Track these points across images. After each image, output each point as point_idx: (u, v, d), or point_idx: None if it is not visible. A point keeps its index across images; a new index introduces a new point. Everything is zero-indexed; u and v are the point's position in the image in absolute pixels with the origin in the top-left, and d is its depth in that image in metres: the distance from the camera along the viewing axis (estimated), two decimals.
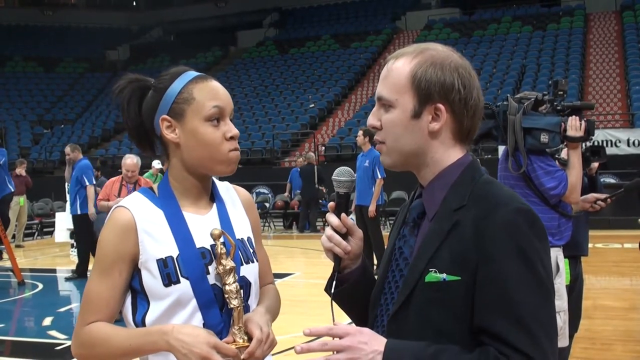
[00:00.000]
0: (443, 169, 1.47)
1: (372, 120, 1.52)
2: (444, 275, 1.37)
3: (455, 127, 1.47)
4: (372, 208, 9.25)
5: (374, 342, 1.35)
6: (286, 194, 17.01)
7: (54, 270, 11.71)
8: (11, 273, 10.20)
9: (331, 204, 1.57)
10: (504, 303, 1.31)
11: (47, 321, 7.46)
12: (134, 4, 37.27)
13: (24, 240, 15.41)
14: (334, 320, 1.58)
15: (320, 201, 15.63)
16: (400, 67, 1.48)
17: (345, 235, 1.56)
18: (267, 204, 17.34)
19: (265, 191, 17.89)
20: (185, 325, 1.61)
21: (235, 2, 35.59)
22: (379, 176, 9.27)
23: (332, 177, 1.60)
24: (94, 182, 10.02)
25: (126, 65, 32.70)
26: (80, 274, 10.01)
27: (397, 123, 1.47)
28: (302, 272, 10.20)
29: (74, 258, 12.81)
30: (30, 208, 16.73)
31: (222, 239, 1.67)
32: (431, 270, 1.39)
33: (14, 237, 15.11)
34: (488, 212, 1.37)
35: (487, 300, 1.33)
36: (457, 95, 1.44)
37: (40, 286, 9.96)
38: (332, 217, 1.55)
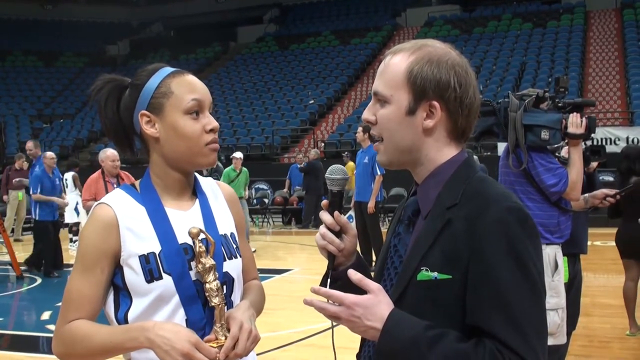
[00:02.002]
0: (437, 166, 1.47)
1: (367, 114, 1.52)
2: (435, 274, 1.37)
3: (449, 125, 1.47)
4: (371, 204, 9.29)
5: (369, 316, 1.37)
6: (285, 190, 17.00)
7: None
8: (10, 267, 10.21)
9: (324, 202, 1.56)
10: (496, 302, 1.31)
11: (46, 315, 7.47)
12: None
13: (23, 235, 15.39)
14: (332, 321, 1.58)
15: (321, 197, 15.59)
16: (397, 63, 1.48)
17: (339, 233, 1.55)
18: (266, 200, 17.34)
19: (265, 187, 17.89)
20: (167, 322, 1.61)
21: None
22: (379, 172, 9.32)
23: (326, 175, 1.60)
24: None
25: (126, 60, 32.68)
26: (37, 267, 10.32)
27: (391, 118, 1.47)
28: (300, 268, 10.21)
29: (73, 252, 12.83)
30: (28, 202, 16.70)
31: (200, 237, 1.67)
32: (423, 269, 1.39)
33: (12, 231, 15.11)
34: (479, 210, 1.37)
35: (479, 299, 1.33)
36: (453, 94, 1.44)
37: (39, 280, 9.96)
38: (325, 215, 1.55)
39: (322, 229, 1.55)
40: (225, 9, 35.47)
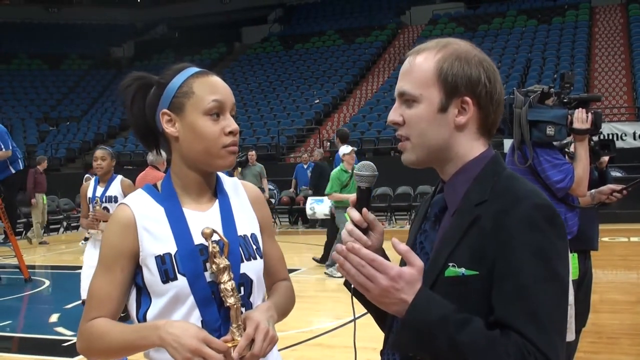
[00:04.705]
0: (466, 163, 1.47)
1: (393, 116, 1.51)
2: (463, 270, 1.37)
3: (480, 120, 1.47)
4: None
5: (407, 290, 1.35)
6: (292, 189, 16.98)
7: (60, 267, 11.75)
8: (18, 270, 10.24)
9: (352, 198, 1.55)
10: (520, 297, 1.31)
11: (54, 318, 7.48)
12: (138, 0, 37.29)
13: (28, 237, 15.46)
14: (354, 315, 1.58)
15: None
16: (423, 62, 1.47)
17: (366, 230, 1.53)
18: (272, 200, 17.32)
19: (271, 187, 17.87)
20: (178, 320, 1.63)
21: None
22: None
23: (355, 171, 1.59)
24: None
25: (131, 62, 32.74)
26: None
27: (423, 117, 1.46)
28: (307, 268, 10.21)
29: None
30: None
31: (214, 238, 1.67)
32: (450, 265, 1.39)
33: (26, 232, 15.19)
34: (508, 206, 1.36)
35: (504, 295, 1.33)
36: (484, 89, 1.45)
37: (47, 283, 9.99)
38: (353, 212, 1.53)
39: (350, 225, 1.52)
40: (230, 10, 35.51)
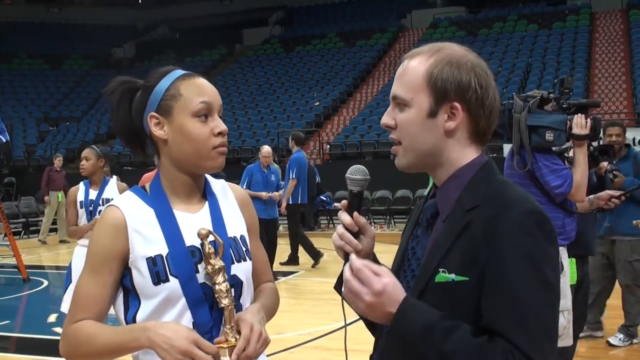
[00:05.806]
0: (458, 169, 1.47)
1: (386, 119, 1.51)
2: (453, 276, 1.37)
3: (471, 126, 1.47)
4: (283, 205, 10.08)
5: (391, 303, 1.35)
6: None
7: (58, 267, 11.74)
8: (16, 270, 10.24)
9: (344, 202, 1.55)
10: (510, 304, 1.31)
11: (52, 318, 7.48)
12: (140, 1, 37.31)
13: (28, 237, 15.45)
14: (345, 319, 1.58)
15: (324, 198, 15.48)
16: (416, 66, 1.48)
17: (357, 234, 1.54)
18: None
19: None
20: (168, 322, 1.62)
21: (241, 0, 35.60)
22: (292, 176, 10.02)
23: (346, 175, 1.58)
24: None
25: (132, 63, 32.76)
26: None
27: (412, 122, 1.46)
28: (305, 270, 10.21)
29: None
30: None
31: (210, 239, 1.67)
32: (441, 270, 1.39)
33: (25, 232, 15.15)
34: (499, 212, 1.37)
35: (493, 300, 1.33)
36: (474, 95, 1.44)
37: (45, 283, 9.99)
38: (344, 215, 1.53)
39: (340, 229, 1.53)
40: (231, 11, 35.53)
